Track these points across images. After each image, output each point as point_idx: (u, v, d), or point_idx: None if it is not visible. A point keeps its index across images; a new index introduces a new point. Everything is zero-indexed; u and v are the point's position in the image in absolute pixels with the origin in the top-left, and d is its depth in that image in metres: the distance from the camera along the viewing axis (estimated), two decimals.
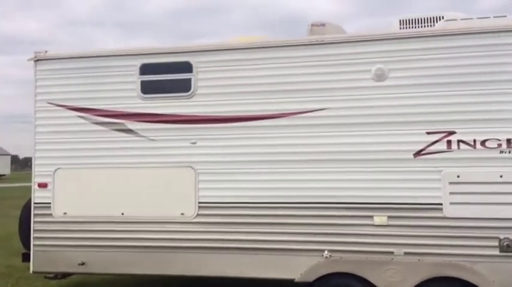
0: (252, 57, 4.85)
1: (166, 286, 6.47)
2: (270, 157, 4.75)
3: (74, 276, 6.09)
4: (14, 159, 68.88)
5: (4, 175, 55.12)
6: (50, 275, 6.05)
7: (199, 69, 4.95)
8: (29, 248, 5.85)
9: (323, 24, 5.09)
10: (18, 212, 16.28)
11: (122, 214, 5.02)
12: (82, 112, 5.19)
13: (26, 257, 5.39)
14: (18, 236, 5.81)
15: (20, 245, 9.74)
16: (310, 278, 4.57)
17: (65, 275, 5.66)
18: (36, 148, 5.27)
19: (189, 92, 4.96)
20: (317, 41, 4.75)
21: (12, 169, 61.39)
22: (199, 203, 4.86)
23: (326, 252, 4.55)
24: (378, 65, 4.60)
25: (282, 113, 4.74)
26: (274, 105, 4.77)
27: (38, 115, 5.29)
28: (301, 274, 4.58)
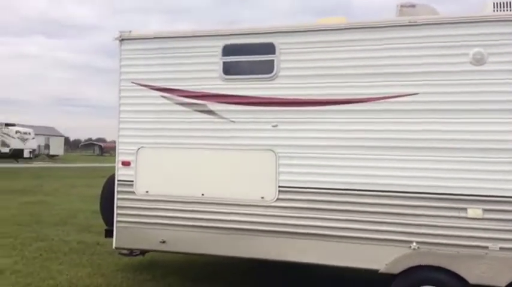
0: (338, 39, 4.67)
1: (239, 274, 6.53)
2: (354, 143, 4.58)
3: (147, 255, 6.28)
4: (66, 141, 72.24)
5: (57, 156, 57.90)
6: (125, 252, 6.24)
7: (282, 51, 4.83)
8: (110, 225, 6.06)
9: (413, 5, 4.81)
10: (77, 191, 17.17)
11: (202, 194, 5.05)
12: (165, 92, 5.24)
13: (108, 233, 5.57)
14: (100, 212, 6.03)
15: (86, 221, 10.28)
16: (396, 269, 4.39)
17: (142, 252, 5.83)
18: (120, 126, 5.40)
19: (272, 74, 4.87)
20: (409, 22, 4.49)
21: (64, 150, 64.55)
22: (280, 187, 4.79)
23: (414, 243, 4.34)
24: (477, 49, 4.28)
25: (368, 98, 4.55)
26: (359, 89, 4.58)
27: (122, 94, 5.40)
28: (386, 265, 4.41)
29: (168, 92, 5.23)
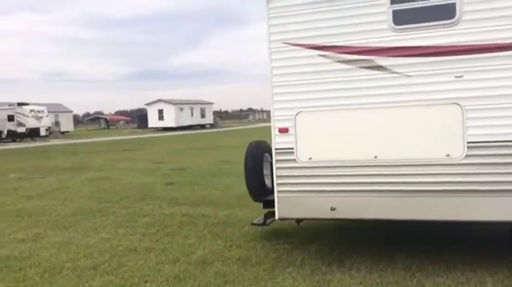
0: None
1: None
2: None
3: (275, 224, 6.03)
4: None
5: (68, 132, 57.71)
6: (258, 222, 6.03)
7: None
8: (257, 196, 5.80)
9: None
10: (125, 165, 16.85)
11: (375, 157, 4.73)
12: (323, 50, 4.83)
13: (267, 204, 5.31)
14: (247, 184, 5.75)
15: (168, 194, 10.05)
16: None
17: (298, 221, 5.57)
18: (274, 91, 5.03)
19: (453, 19, 4.44)
20: None
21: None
22: (469, 143, 4.45)
23: None
24: None
25: None
26: None
27: (273, 57, 5.00)
28: None
29: (327, 50, 4.82)
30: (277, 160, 5.06)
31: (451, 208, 4.52)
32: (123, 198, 10.01)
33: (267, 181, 5.93)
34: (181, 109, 55.47)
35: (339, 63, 4.78)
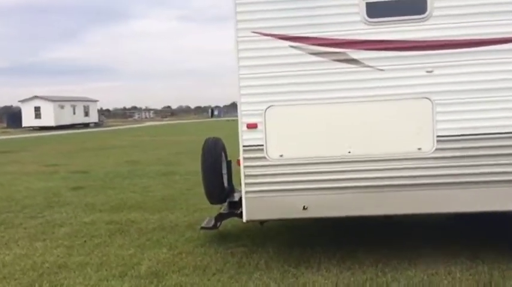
0: None
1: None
2: None
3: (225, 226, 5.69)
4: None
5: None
6: (207, 225, 5.66)
7: None
8: (216, 198, 5.38)
9: None
10: (8, 169, 15.18)
11: (349, 152, 4.61)
12: (295, 41, 4.58)
13: (232, 206, 4.91)
14: (204, 186, 5.28)
15: (77, 200, 9.09)
16: None
17: (262, 222, 5.28)
18: (241, 84, 4.65)
19: (424, 14, 4.48)
20: None
21: None
22: (438, 136, 4.53)
23: None
24: None
25: None
26: None
27: (241, 47, 4.62)
28: None
29: (298, 41, 4.58)
30: (245, 158, 4.69)
31: (424, 201, 4.56)
32: (26, 206, 8.78)
33: (224, 182, 5.52)
34: (62, 107, 51.47)
35: (312, 56, 4.57)
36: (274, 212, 4.73)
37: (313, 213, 4.69)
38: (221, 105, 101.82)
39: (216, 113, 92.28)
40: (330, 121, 4.62)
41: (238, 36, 4.60)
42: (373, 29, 4.52)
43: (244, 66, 4.62)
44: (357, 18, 4.52)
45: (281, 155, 4.65)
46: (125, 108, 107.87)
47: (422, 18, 4.48)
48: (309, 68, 4.58)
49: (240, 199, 4.93)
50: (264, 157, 4.66)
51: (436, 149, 4.54)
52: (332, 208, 4.66)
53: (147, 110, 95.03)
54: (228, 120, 64.91)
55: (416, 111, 4.54)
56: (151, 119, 79.66)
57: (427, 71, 4.50)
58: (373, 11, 4.50)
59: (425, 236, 5.73)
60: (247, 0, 4.57)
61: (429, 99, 4.52)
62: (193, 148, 20.21)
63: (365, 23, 4.52)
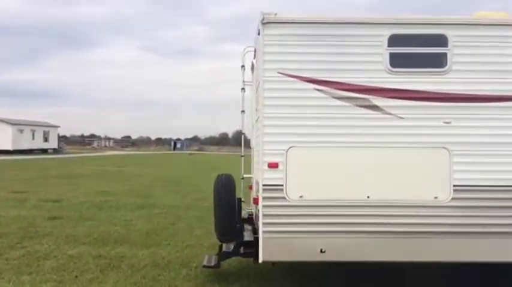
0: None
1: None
2: None
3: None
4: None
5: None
6: (209, 264, 5.54)
7: (455, 44, 4.66)
8: (228, 236, 5.27)
9: None
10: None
11: (368, 197, 4.66)
12: (320, 85, 4.67)
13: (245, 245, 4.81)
14: (217, 223, 5.16)
15: (56, 231, 8.69)
16: None
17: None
18: (265, 123, 4.66)
19: (444, 68, 4.68)
20: None
21: None
22: (455, 186, 4.66)
23: None
24: None
25: None
26: None
27: (266, 86, 4.66)
28: None
29: (323, 85, 4.67)
30: (264, 198, 4.65)
31: (438, 249, 4.62)
32: (1, 235, 8.28)
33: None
34: (21, 131, 49.63)
35: (335, 100, 4.66)
36: (291, 254, 4.67)
37: (330, 257, 4.66)
38: (182, 138, 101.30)
39: (178, 145, 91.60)
40: (351, 165, 4.67)
41: (264, 76, 4.65)
42: (395, 78, 4.66)
43: (269, 105, 4.65)
44: (381, 67, 4.67)
45: (301, 196, 4.64)
46: (83, 136, 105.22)
47: (443, 71, 4.68)
48: (332, 111, 4.66)
49: (255, 238, 4.85)
50: (284, 197, 4.64)
51: (453, 199, 4.64)
52: (349, 252, 4.66)
53: (107, 138, 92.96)
54: (191, 154, 64.62)
55: (434, 160, 4.66)
56: (112, 148, 77.84)
57: (445, 122, 4.66)
58: (396, 61, 4.67)
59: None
60: (276, 42, 4.65)
61: (447, 149, 4.66)
62: (165, 180, 19.91)
63: (388, 72, 4.67)
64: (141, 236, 8.48)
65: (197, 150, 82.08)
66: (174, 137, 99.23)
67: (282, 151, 4.65)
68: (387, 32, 4.66)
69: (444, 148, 4.67)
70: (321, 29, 4.67)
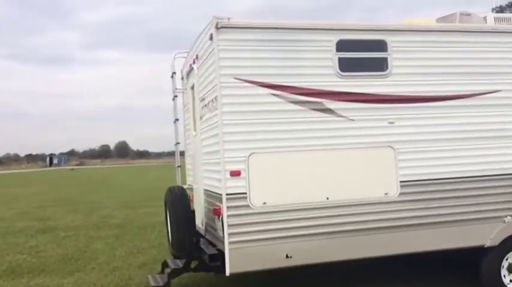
0: (445, 40, 5.13)
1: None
2: (461, 135, 5.12)
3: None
4: None
5: None
6: (159, 284, 5.31)
7: (394, 49, 4.99)
8: (186, 250, 5.01)
9: (469, 14, 5.68)
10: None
11: (327, 198, 4.76)
12: (276, 90, 4.67)
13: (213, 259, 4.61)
14: (173, 238, 4.86)
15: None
16: (496, 242, 5.17)
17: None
18: (224, 130, 4.53)
19: (386, 72, 4.98)
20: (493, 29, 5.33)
21: None
22: (401, 182, 4.97)
23: (509, 217, 5.20)
24: None
25: (471, 94, 5.18)
26: (464, 87, 5.16)
27: (223, 92, 4.53)
28: (490, 240, 5.14)
29: (279, 89, 4.68)
30: (228, 207, 4.50)
31: (391, 243, 4.89)
32: None
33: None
34: None
35: (291, 104, 4.70)
36: (258, 263, 4.58)
37: (296, 261, 4.66)
38: (56, 153, 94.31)
39: (55, 161, 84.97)
40: (310, 168, 4.73)
41: (220, 81, 4.52)
42: (345, 82, 4.85)
43: (227, 112, 4.53)
44: (331, 71, 4.82)
45: (264, 203, 4.59)
46: None
47: (384, 74, 4.97)
48: (288, 116, 4.69)
49: (219, 251, 4.68)
50: (248, 205, 4.54)
51: (400, 194, 4.95)
52: (314, 254, 4.70)
53: None
54: (72, 169, 60.21)
55: (382, 159, 4.93)
56: None
57: (389, 122, 4.96)
58: (345, 66, 4.85)
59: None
60: (231, 47, 4.55)
61: (392, 147, 4.96)
62: (56, 200, 18.27)
63: (338, 76, 4.83)
64: (58, 263, 7.71)
65: (78, 165, 77.11)
66: (48, 153, 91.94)
67: (243, 158, 4.56)
68: (335, 37, 4.82)
69: (390, 146, 4.96)
70: (273, 34, 4.67)
